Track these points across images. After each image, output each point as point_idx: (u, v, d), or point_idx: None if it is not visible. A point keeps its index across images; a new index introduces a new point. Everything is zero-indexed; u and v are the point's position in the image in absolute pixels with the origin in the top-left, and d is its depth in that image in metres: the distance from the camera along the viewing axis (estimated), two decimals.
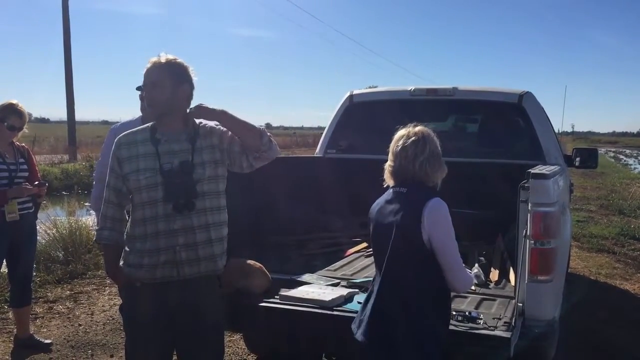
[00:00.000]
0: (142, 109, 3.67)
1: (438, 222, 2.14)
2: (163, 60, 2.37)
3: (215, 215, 2.40)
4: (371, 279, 2.88)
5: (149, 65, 2.38)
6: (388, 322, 2.17)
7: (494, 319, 2.49)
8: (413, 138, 2.26)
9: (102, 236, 2.49)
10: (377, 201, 2.36)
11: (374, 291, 2.29)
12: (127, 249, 2.41)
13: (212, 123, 2.46)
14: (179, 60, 2.40)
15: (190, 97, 2.44)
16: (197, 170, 2.35)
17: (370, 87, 6.34)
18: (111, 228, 2.47)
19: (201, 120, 2.47)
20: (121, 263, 2.43)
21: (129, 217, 2.46)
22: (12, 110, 3.97)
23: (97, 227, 2.55)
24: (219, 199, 2.42)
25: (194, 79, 2.44)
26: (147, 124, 2.48)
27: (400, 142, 2.28)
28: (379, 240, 2.32)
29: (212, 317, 2.46)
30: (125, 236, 2.44)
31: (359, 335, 2.25)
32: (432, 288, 2.17)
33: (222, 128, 2.46)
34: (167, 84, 2.35)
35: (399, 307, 2.15)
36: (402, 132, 2.33)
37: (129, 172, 2.35)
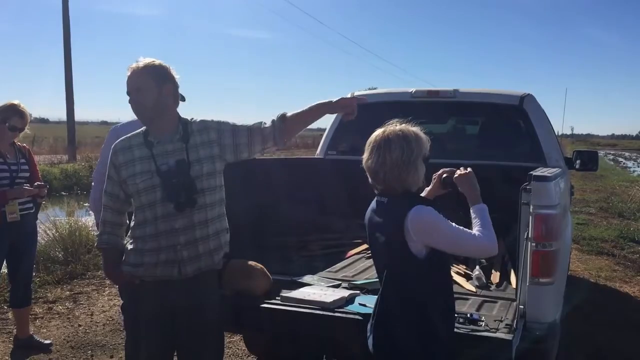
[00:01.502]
0: None
1: (428, 230, 2.04)
2: (142, 64, 2.35)
3: (214, 209, 2.42)
4: (372, 280, 2.88)
5: (128, 72, 2.36)
6: (392, 330, 2.13)
7: (495, 321, 2.49)
8: (373, 151, 2.12)
9: (102, 240, 2.52)
10: (370, 207, 2.27)
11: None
12: (128, 249, 2.43)
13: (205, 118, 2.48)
14: (158, 61, 2.39)
15: (175, 95, 2.43)
16: (194, 167, 2.36)
17: (370, 89, 6.34)
18: (110, 232, 2.50)
19: (192, 117, 2.49)
20: (122, 264, 2.45)
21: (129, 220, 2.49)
22: (14, 110, 3.98)
23: (96, 232, 2.58)
24: (217, 194, 2.44)
25: (176, 77, 2.43)
26: (140, 129, 2.48)
27: (365, 155, 2.17)
28: (373, 248, 2.32)
29: (213, 316, 2.47)
30: (127, 238, 2.46)
31: (370, 340, 2.21)
32: (431, 295, 2.12)
33: (219, 122, 2.47)
34: (151, 87, 2.34)
35: (401, 315, 2.12)
36: (368, 141, 2.18)
37: (126, 177, 2.37)
